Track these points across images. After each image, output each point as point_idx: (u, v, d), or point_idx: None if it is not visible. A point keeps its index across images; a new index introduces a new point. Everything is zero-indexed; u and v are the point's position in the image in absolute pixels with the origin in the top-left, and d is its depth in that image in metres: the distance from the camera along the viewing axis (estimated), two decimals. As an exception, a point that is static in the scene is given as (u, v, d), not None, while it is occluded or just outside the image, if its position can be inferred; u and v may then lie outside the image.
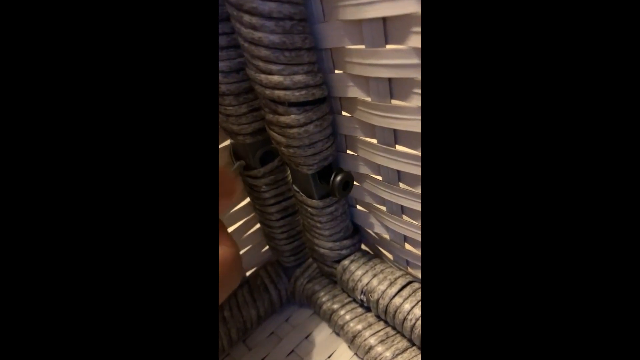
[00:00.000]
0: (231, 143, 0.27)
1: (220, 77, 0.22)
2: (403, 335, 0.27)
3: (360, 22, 0.18)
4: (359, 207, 0.29)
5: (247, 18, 0.18)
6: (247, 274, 0.34)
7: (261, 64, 0.19)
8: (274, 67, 0.19)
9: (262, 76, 0.20)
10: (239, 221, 0.31)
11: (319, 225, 0.27)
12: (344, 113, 0.23)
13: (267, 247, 0.34)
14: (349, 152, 0.25)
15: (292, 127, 0.21)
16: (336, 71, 0.21)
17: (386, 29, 0.17)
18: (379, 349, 0.27)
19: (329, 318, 0.31)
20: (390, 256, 0.29)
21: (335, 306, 0.30)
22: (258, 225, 0.33)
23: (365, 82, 0.20)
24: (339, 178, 0.23)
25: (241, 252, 0.33)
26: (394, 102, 0.19)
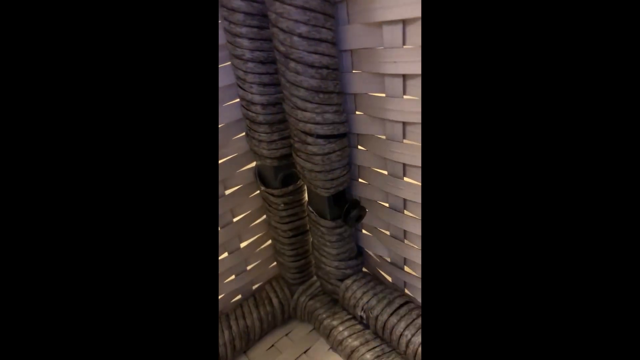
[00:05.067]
0: (256, 165, 0.31)
1: (259, 108, 0.26)
2: (398, 353, 0.30)
3: (383, 75, 0.22)
4: (364, 231, 0.32)
5: (292, 65, 0.22)
6: (254, 287, 0.36)
7: (299, 102, 0.23)
8: (309, 105, 0.23)
9: (298, 112, 0.24)
10: (253, 236, 0.34)
11: (328, 244, 0.30)
12: (359, 147, 0.27)
13: (274, 263, 0.37)
14: (360, 180, 0.29)
15: (317, 154, 0.25)
16: (357, 112, 0.26)
17: (405, 83, 0.21)
18: (375, 364, 0.29)
19: (329, 333, 0.33)
20: (389, 278, 0.32)
21: (335, 322, 0.33)
22: (268, 243, 0.36)
23: (382, 124, 0.24)
24: (354, 212, 0.27)
25: (251, 266, 0.35)
26: (406, 141, 0.23)
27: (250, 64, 0.24)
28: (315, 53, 0.22)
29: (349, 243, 0.31)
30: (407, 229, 0.27)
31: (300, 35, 0.21)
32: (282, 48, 0.22)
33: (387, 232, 0.29)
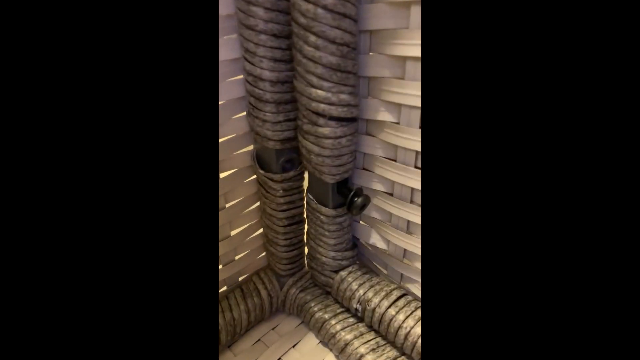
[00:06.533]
0: (254, 148, 0.29)
1: (268, 85, 0.24)
2: (393, 345, 0.29)
3: (405, 58, 0.22)
4: (361, 222, 0.31)
5: (312, 39, 0.21)
6: (240, 278, 0.35)
7: (314, 80, 0.22)
8: (325, 84, 0.22)
9: (312, 90, 0.22)
10: (244, 224, 0.32)
11: (326, 233, 0.29)
12: (367, 134, 0.27)
13: (262, 254, 0.35)
14: (365, 169, 0.28)
15: (328, 138, 0.24)
16: (369, 97, 0.25)
17: (427, 68, 0.21)
18: (369, 357, 0.28)
19: (320, 327, 0.32)
20: (384, 271, 0.31)
21: (327, 316, 0.32)
22: (259, 232, 0.34)
23: (397, 109, 0.24)
24: (359, 200, 0.26)
25: (240, 255, 0.33)
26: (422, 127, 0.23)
27: (263, 36, 0.23)
28: (338, 28, 0.21)
29: (347, 233, 0.30)
30: (411, 220, 0.26)
31: (325, 8, 0.20)
32: (302, 20, 0.21)
33: (389, 223, 0.28)
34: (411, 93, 0.22)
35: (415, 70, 0.21)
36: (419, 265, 0.28)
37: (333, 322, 0.31)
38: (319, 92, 0.22)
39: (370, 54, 0.23)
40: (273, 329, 0.34)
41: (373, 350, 0.29)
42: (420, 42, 0.20)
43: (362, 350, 0.29)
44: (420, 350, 0.26)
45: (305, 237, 0.33)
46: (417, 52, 0.21)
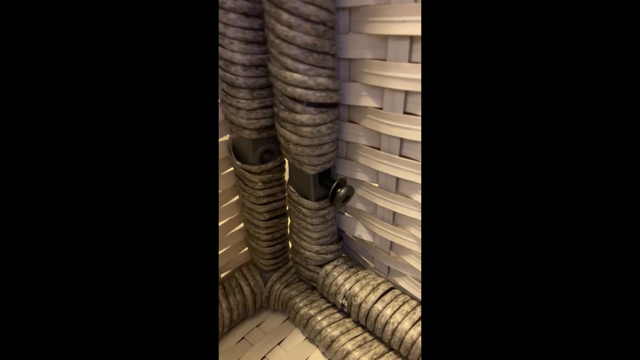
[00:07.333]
0: (230, 138, 0.27)
1: (240, 69, 0.22)
2: (380, 341, 0.28)
3: (387, 37, 0.20)
4: (346, 214, 0.30)
5: (285, 16, 0.19)
6: (222, 275, 0.33)
7: (289, 62, 0.20)
8: (301, 66, 0.20)
9: (287, 73, 0.21)
10: (223, 219, 0.31)
11: (310, 227, 0.28)
12: (349, 121, 0.25)
13: (245, 249, 0.34)
14: (348, 158, 0.26)
15: (306, 125, 0.22)
16: (350, 81, 0.23)
17: (411, 47, 0.19)
18: (356, 354, 0.27)
19: (306, 324, 0.31)
20: (371, 264, 0.30)
21: (313, 312, 0.30)
22: (240, 226, 0.32)
23: (380, 93, 0.22)
24: (342, 191, 0.25)
25: (220, 252, 0.32)
26: (406, 114, 0.21)
27: (232, 15, 0.21)
28: (313, 4, 0.19)
29: (331, 226, 0.29)
30: (397, 211, 0.25)
31: (297, -20, 0.18)
32: (273, -4, 0.19)
33: (374, 215, 0.27)
34: (394, 75, 0.20)
35: (397, 50, 0.20)
36: (406, 258, 0.27)
37: (319, 318, 0.30)
38: (295, 75, 0.21)
39: (350, 33, 0.22)
40: (257, 326, 0.33)
41: (360, 346, 0.28)
42: (403, 18, 0.18)
43: (348, 346, 0.28)
44: (408, 346, 0.25)
45: (288, 230, 0.32)
46: (399, 29, 0.19)
